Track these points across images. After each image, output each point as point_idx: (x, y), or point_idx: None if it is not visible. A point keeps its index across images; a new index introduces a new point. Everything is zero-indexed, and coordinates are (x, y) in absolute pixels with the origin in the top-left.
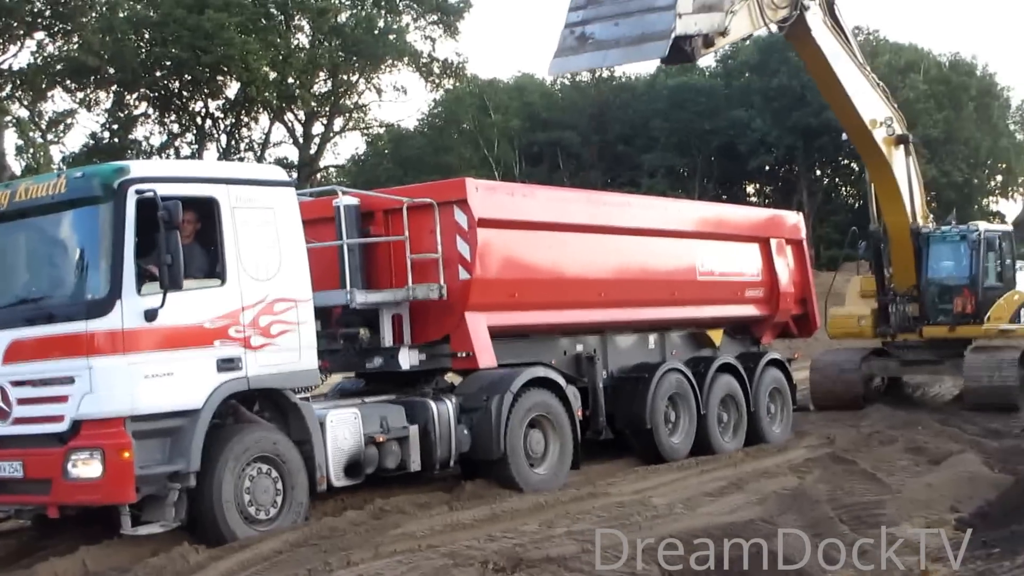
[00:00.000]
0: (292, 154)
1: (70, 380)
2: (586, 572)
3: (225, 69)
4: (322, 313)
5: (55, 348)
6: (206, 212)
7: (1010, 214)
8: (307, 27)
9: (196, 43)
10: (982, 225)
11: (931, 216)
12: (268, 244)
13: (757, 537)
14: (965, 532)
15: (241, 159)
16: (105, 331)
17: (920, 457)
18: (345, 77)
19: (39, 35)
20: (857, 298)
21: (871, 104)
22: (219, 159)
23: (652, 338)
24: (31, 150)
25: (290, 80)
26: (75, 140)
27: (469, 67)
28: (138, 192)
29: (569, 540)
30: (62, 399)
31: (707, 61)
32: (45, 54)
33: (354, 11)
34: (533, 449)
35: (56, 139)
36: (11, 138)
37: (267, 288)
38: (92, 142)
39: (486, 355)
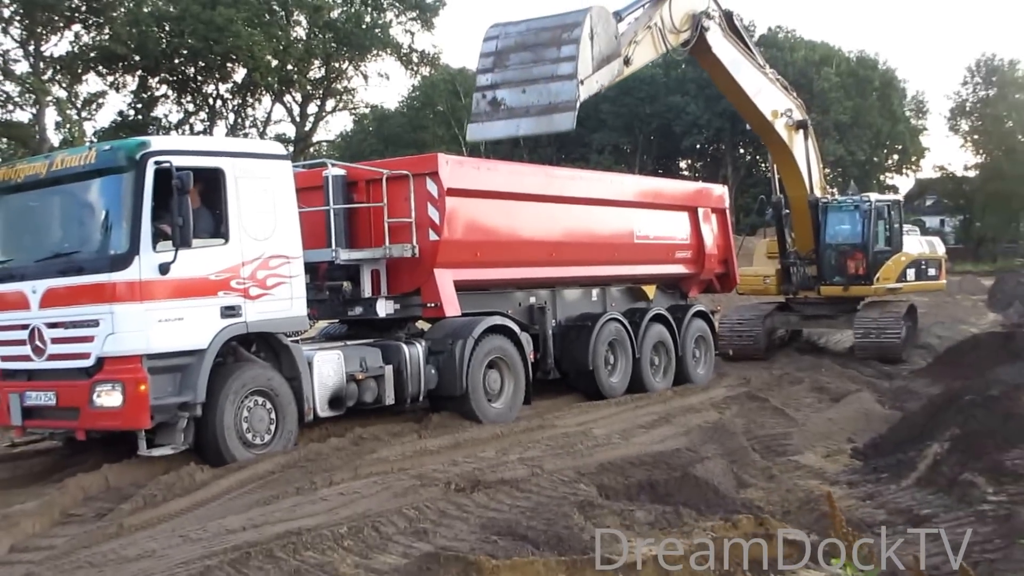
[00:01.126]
0: (290, 130)
1: (95, 323)
2: (535, 492)
3: (233, 57)
4: (311, 268)
5: (83, 296)
6: (213, 181)
7: (904, 188)
8: (304, 22)
9: (209, 35)
10: (873, 196)
11: (830, 188)
12: (266, 209)
13: (682, 463)
14: (859, 459)
15: (246, 135)
16: (125, 282)
17: (822, 395)
18: (336, 65)
19: (76, 27)
20: (763, 259)
21: (771, 98)
22: (227, 135)
23: (595, 292)
24: (68, 125)
25: (289, 67)
26: (105, 117)
27: (443, 57)
28: (156, 163)
29: (521, 465)
30: (89, 339)
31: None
32: (81, 43)
33: (345, 8)
34: (491, 387)
35: (89, 116)
36: (51, 115)
37: (264, 246)
38: (119, 119)
39: (451, 306)
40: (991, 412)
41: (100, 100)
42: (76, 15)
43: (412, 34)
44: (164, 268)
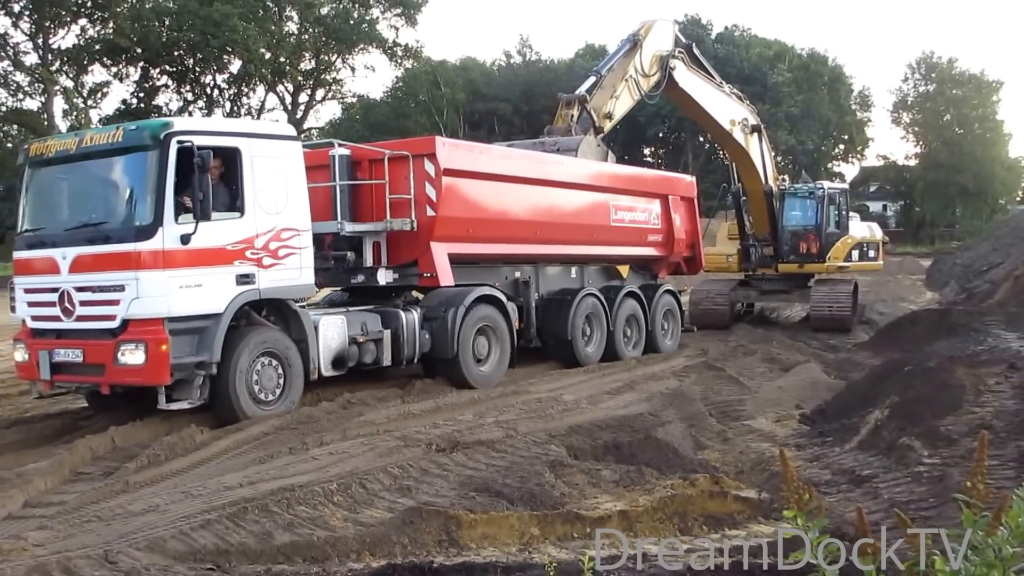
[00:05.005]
0: (282, 118)
1: (121, 288)
2: (510, 452)
3: (229, 50)
4: (317, 239)
5: (111, 263)
6: (230, 159)
7: (849, 175)
8: (296, 17)
9: (206, 29)
10: (826, 184)
11: (781, 177)
12: (278, 185)
13: (645, 427)
14: (806, 424)
15: None
16: (149, 251)
17: (773, 365)
18: (326, 58)
19: (82, 21)
20: (726, 240)
21: (729, 111)
22: None
23: (574, 270)
24: (74, 113)
25: (282, 59)
26: (109, 105)
27: (425, 50)
28: (179, 142)
29: (496, 428)
30: (115, 303)
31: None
32: (87, 36)
33: (334, 4)
34: (479, 351)
35: (94, 104)
36: (59, 103)
37: (276, 220)
38: (123, 107)
39: (446, 276)
40: (927, 382)
41: (105, 89)
42: (82, 10)
43: (396, 29)
44: (185, 238)
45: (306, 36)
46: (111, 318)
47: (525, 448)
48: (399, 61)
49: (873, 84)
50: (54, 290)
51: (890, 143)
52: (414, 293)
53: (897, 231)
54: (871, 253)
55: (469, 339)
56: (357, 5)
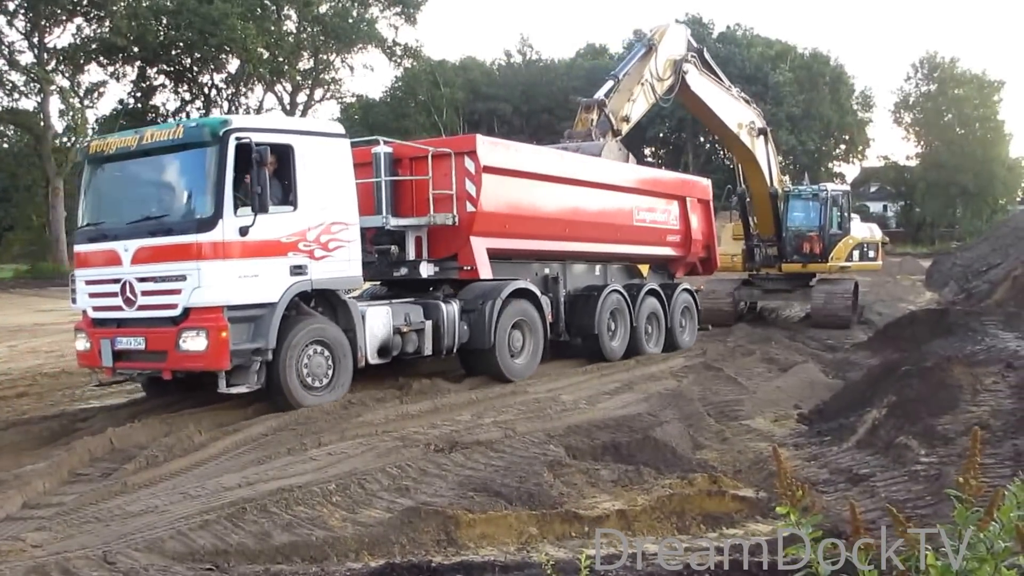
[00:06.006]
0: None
1: (183, 278)
2: (508, 452)
3: (227, 49)
4: (360, 233)
5: (173, 254)
6: (284, 155)
7: (850, 175)
8: (294, 16)
9: (204, 28)
10: (829, 186)
11: (786, 179)
12: (328, 180)
13: (643, 427)
14: (804, 424)
15: None
16: (210, 242)
17: (772, 366)
18: (324, 57)
19: (78, 20)
20: (730, 240)
21: (738, 115)
22: None
23: (598, 267)
24: (71, 113)
25: (280, 59)
26: (106, 105)
27: (424, 50)
28: (237, 139)
29: (495, 428)
30: (176, 292)
31: (616, 48)
32: (83, 35)
33: (332, 3)
34: (514, 344)
35: (91, 104)
36: (55, 103)
37: (326, 214)
38: (120, 107)
39: (484, 269)
40: (925, 382)
41: (101, 89)
42: (78, 8)
43: (396, 28)
44: (244, 231)
45: (304, 35)
46: (173, 307)
47: (523, 448)
48: (398, 61)
49: (874, 84)
50: (116, 281)
51: (891, 143)
52: (447, 288)
53: (897, 231)
54: (871, 253)
55: (506, 331)
56: (356, 4)
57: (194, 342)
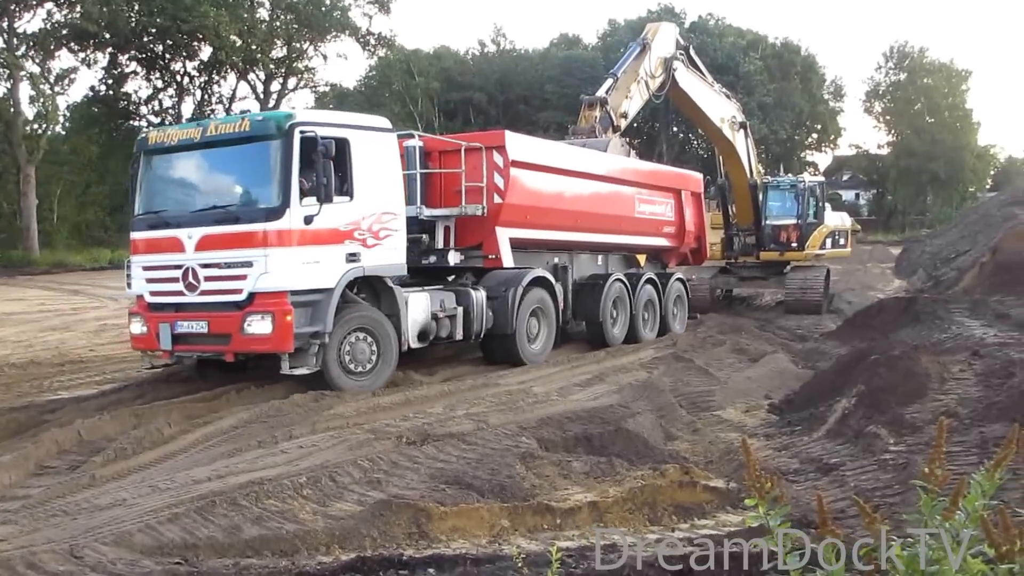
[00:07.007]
0: (254, 107)
1: (250, 264)
2: (480, 445)
3: (200, 36)
4: (404, 223)
5: (240, 241)
6: (341, 148)
7: (822, 164)
8: (267, 3)
9: (176, 14)
10: (806, 177)
11: (763, 171)
12: (379, 172)
13: (615, 418)
14: (775, 414)
15: (212, 111)
16: (277, 230)
17: (742, 356)
18: (298, 45)
19: (48, 5)
20: (709, 229)
21: (720, 109)
22: (194, 111)
23: (600, 257)
24: (41, 100)
25: (253, 47)
26: (77, 92)
27: (398, 39)
28: (301, 132)
29: (467, 420)
30: (242, 277)
31: (590, 38)
32: (53, 21)
33: None
34: (531, 331)
35: (62, 91)
36: (25, 89)
37: (378, 204)
38: (91, 94)
39: (508, 258)
40: (894, 370)
41: (72, 76)
42: None
43: (370, 17)
44: (308, 219)
45: (278, 23)
46: (238, 292)
47: (496, 440)
48: (372, 50)
49: (845, 74)
50: (178, 267)
51: (862, 132)
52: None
53: (869, 219)
54: (841, 241)
55: (525, 318)
56: None
57: (260, 325)
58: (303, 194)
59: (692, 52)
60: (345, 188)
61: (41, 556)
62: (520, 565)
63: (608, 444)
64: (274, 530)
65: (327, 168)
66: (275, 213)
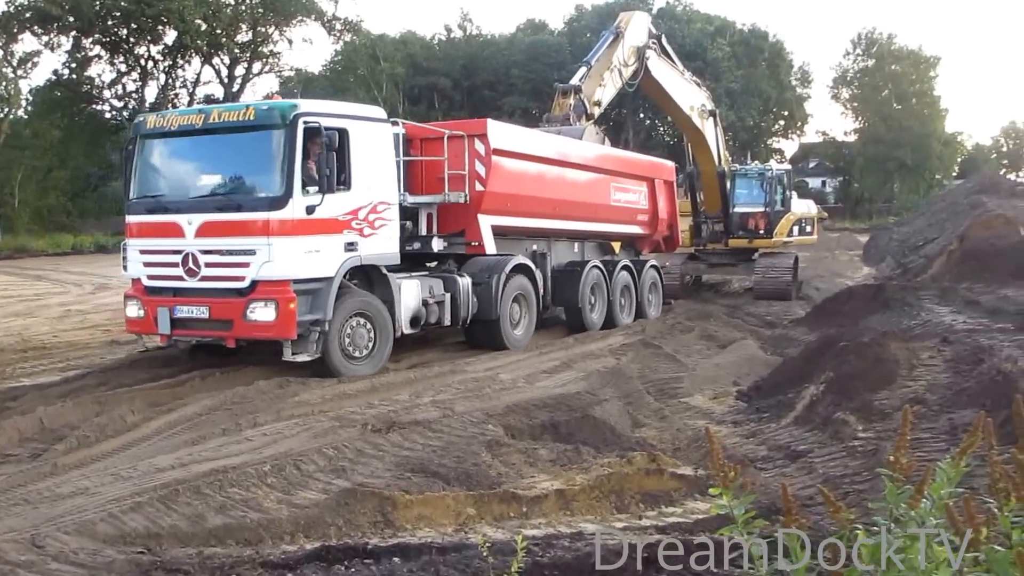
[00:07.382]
0: (219, 92)
1: (253, 252)
2: (446, 432)
3: (165, 20)
4: (398, 213)
5: (243, 229)
6: (340, 138)
7: (789, 151)
8: None
9: None
10: (774, 165)
11: (730, 159)
12: (375, 162)
13: (582, 405)
14: (743, 401)
15: (176, 95)
16: (281, 219)
17: (711, 343)
18: (263, 29)
19: None
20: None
21: (691, 98)
22: (159, 95)
23: (576, 244)
24: (3, 83)
25: (218, 31)
26: (40, 75)
27: (365, 24)
28: (305, 122)
29: (433, 407)
30: (245, 265)
31: (556, 24)
32: (17, 3)
33: None
34: (514, 317)
35: (24, 75)
36: None
37: (374, 194)
38: (54, 77)
39: (490, 244)
40: (862, 357)
41: (35, 59)
42: None
43: (335, 2)
44: (311, 209)
45: (243, 7)
46: (240, 279)
47: (462, 428)
48: (337, 35)
49: (813, 60)
50: (177, 252)
51: (829, 119)
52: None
53: (836, 207)
54: (808, 228)
55: (508, 304)
56: None
57: (263, 312)
58: (306, 183)
59: (664, 41)
60: (343, 178)
61: (2, 545)
62: (486, 554)
63: (575, 431)
64: (238, 519)
65: (330, 159)
66: (278, 202)
